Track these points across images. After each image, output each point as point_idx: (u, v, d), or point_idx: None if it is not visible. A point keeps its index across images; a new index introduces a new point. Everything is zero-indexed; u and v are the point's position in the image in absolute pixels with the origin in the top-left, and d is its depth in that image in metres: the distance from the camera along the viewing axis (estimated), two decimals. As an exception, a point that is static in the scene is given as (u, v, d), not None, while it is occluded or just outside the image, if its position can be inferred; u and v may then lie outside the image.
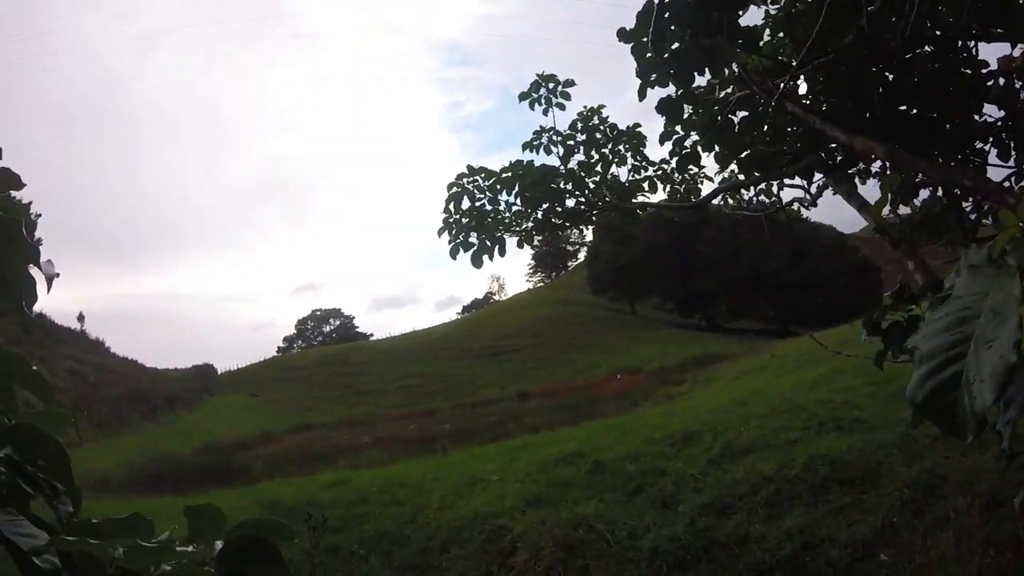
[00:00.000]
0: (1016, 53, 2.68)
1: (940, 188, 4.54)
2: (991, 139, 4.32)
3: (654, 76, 3.51)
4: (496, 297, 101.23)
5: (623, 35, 3.38)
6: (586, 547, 6.58)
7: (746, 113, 3.98)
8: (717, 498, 7.24)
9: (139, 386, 38.23)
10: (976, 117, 4.21)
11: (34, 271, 1.36)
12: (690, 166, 4.85)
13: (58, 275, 1.43)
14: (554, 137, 5.63)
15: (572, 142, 5.61)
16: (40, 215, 50.21)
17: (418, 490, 9.55)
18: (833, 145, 4.18)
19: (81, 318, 45.09)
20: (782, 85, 3.16)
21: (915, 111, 3.55)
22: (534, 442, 13.14)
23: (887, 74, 3.40)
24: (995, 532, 5.36)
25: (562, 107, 5.59)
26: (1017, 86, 3.53)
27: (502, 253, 5.68)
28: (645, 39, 3.21)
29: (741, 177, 4.69)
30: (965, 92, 3.44)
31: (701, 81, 4.28)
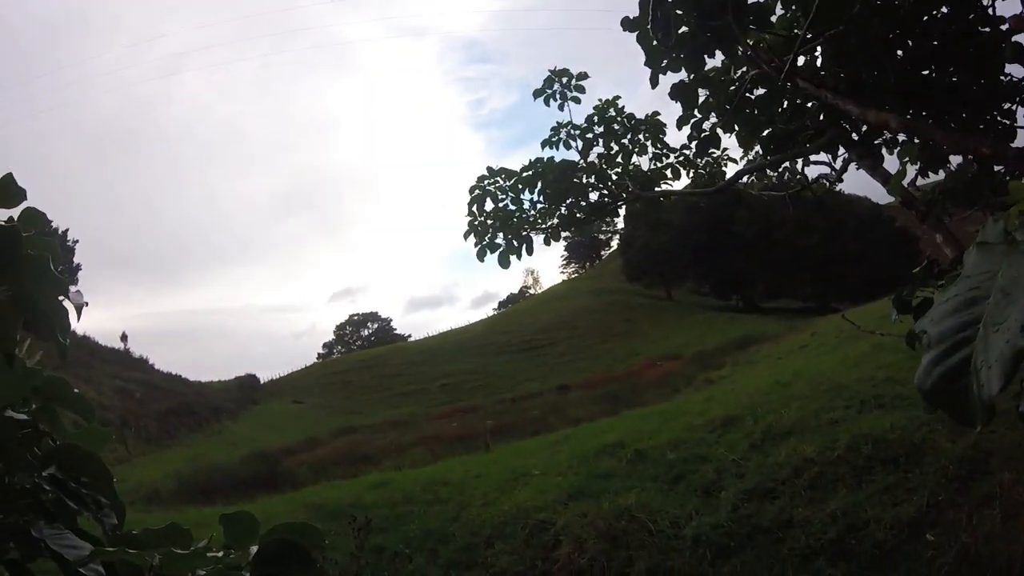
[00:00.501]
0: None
1: (975, 160, 4.41)
2: (1018, 99, 4.19)
3: (664, 63, 3.48)
4: (531, 291, 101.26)
5: (627, 24, 3.36)
6: (629, 537, 6.57)
7: (762, 92, 3.92)
8: (759, 483, 7.17)
9: (184, 400, 39.22)
10: (1001, 78, 4.09)
11: (67, 303, 1.43)
12: (711, 150, 4.80)
13: (87, 304, 1.51)
14: (572, 132, 5.62)
15: (590, 135, 5.59)
16: (78, 241, 51.90)
17: (461, 487, 9.63)
18: (863, 122, 4.10)
19: (124, 338, 46.59)
20: (789, 61, 3.10)
21: (934, 77, 3.45)
22: (575, 434, 13.14)
23: (901, 41, 3.31)
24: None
25: (577, 100, 5.58)
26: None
27: (529, 252, 5.70)
28: (649, 26, 3.18)
29: (765, 158, 4.62)
30: (984, 53, 3.33)
31: (714, 63, 4.25)
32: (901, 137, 4.59)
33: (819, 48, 3.43)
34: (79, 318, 1.50)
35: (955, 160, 4.64)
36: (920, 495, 6.25)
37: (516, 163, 5.63)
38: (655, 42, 3.31)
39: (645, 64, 3.55)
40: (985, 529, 5.29)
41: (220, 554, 1.40)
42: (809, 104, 4.31)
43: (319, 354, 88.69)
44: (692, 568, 6.09)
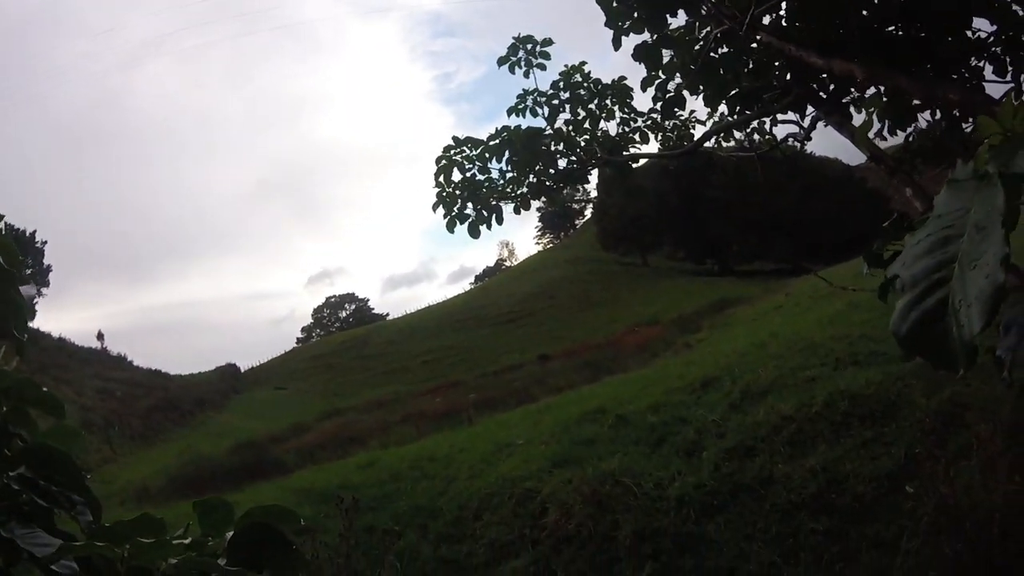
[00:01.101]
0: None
1: (939, 111, 4.42)
2: (985, 55, 4.20)
3: (625, 24, 3.43)
4: (507, 263, 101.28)
5: None
6: (614, 501, 6.65)
7: (727, 50, 3.89)
8: (740, 442, 7.27)
9: (167, 395, 38.95)
10: (968, 34, 4.08)
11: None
12: (677, 111, 4.77)
13: (38, 294, 1.49)
14: (538, 99, 5.55)
15: (556, 102, 5.54)
16: (46, 242, 50.66)
17: (447, 462, 9.67)
18: (823, 76, 4.08)
19: (101, 336, 45.91)
20: (750, 15, 3.06)
21: (900, 32, 3.44)
22: (557, 403, 13.24)
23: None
24: (1020, 459, 5.32)
25: (543, 67, 5.51)
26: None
27: (499, 221, 5.66)
28: None
29: (732, 117, 4.61)
30: (950, 8, 3.33)
31: (678, 23, 4.20)
32: (870, 93, 4.60)
33: (784, 3, 3.40)
34: (32, 313, 1.48)
35: (924, 122, 4.66)
36: (897, 448, 6.37)
37: (486, 135, 5.57)
38: (614, 2, 3.25)
39: (606, 25, 3.49)
40: (963, 480, 5.39)
41: (188, 541, 1.38)
42: (776, 63, 4.29)
43: (298, 339, 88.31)
44: (677, 528, 6.18)
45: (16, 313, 1.45)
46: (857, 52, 3.13)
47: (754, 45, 3.58)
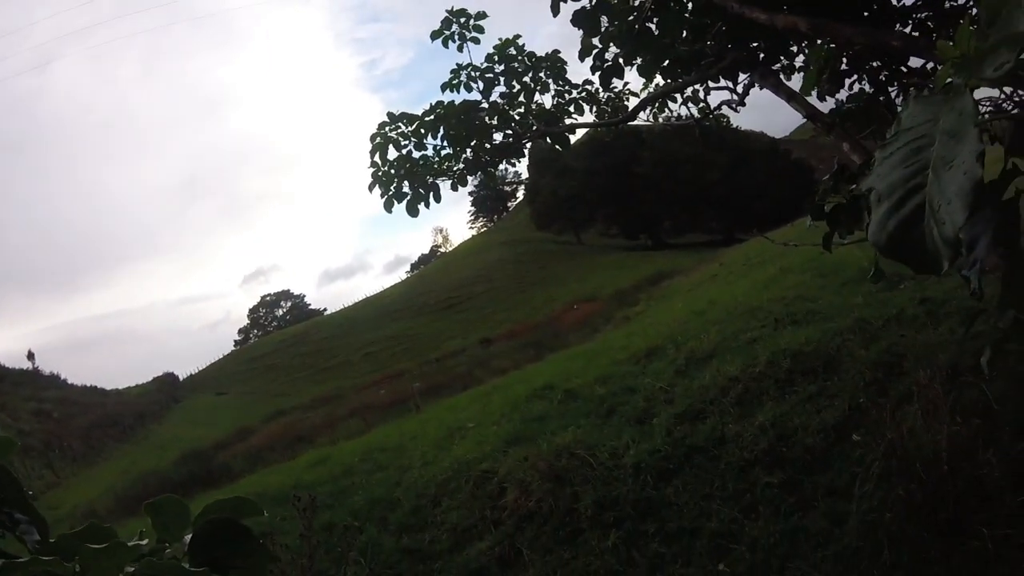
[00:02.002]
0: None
1: (867, 76, 4.55)
2: (930, 13, 4.33)
3: (564, -13, 3.38)
4: (442, 249, 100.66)
5: None
6: (571, 474, 6.67)
7: (664, 16, 3.88)
8: (689, 406, 7.38)
9: (105, 411, 37.50)
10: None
11: None
12: (614, 79, 4.75)
13: None
14: (472, 73, 5.45)
15: (491, 75, 5.44)
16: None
17: (399, 452, 9.54)
18: (755, 44, 4.13)
19: (31, 356, 43.84)
20: None
21: None
22: (504, 384, 13.23)
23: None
24: (959, 400, 5.57)
25: (476, 41, 5.40)
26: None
27: (437, 199, 5.55)
28: None
29: (667, 83, 4.62)
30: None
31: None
32: (799, 63, 4.68)
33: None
34: None
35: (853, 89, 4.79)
36: (842, 400, 6.58)
37: (421, 112, 5.43)
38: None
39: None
40: (907, 425, 5.60)
41: (144, 541, 1.27)
42: (712, 28, 4.31)
43: (236, 341, 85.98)
44: (636, 494, 6.24)
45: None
46: (800, 7, 3.16)
47: (689, 7, 3.58)
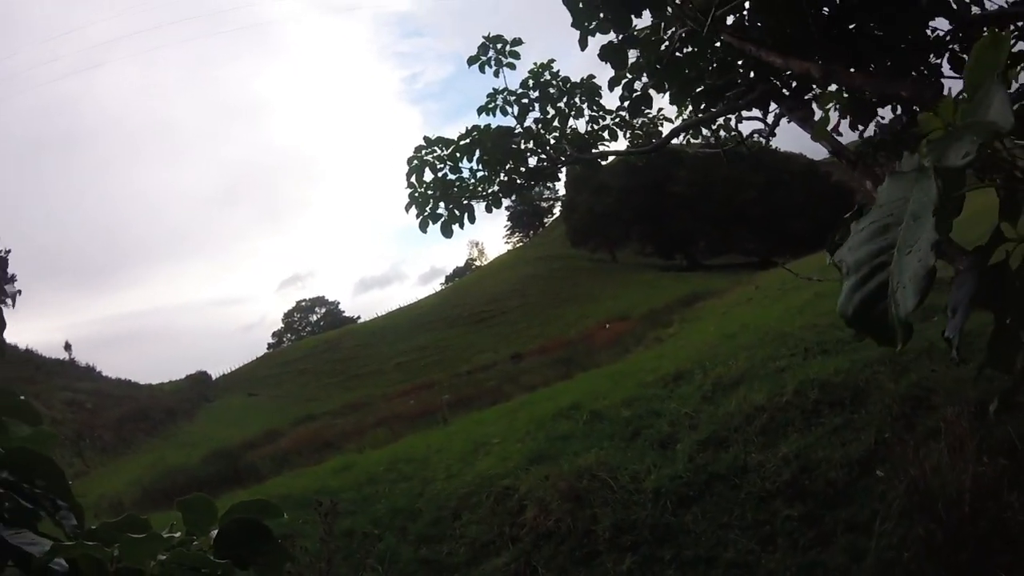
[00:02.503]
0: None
1: (900, 106, 4.56)
2: (946, 52, 4.34)
3: (592, 24, 3.48)
4: (478, 263, 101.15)
5: None
6: (591, 496, 6.72)
7: (691, 49, 3.96)
8: (713, 433, 7.38)
9: (137, 405, 38.26)
10: (927, 32, 4.22)
11: None
12: (644, 109, 4.83)
13: (9, 303, 1.50)
14: (508, 98, 5.59)
15: (526, 100, 5.57)
16: (10, 251, 49.53)
17: (424, 463, 9.65)
18: (788, 72, 4.18)
19: (68, 347, 45.00)
20: (711, 16, 3.13)
21: (858, 30, 3.54)
22: (531, 400, 13.28)
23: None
24: (987, 439, 5.48)
25: (512, 67, 5.55)
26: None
27: (471, 220, 5.69)
28: None
29: (697, 115, 4.69)
30: (905, 6, 3.43)
31: (644, 23, 4.26)
32: (832, 88, 4.71)
33: (746, 3, 3.47)
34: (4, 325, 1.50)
35: (885, 117, 4.80)
36: (868, 434, 6.51)
37: (455, 135, 5.59)
38: (580, 3, 3.30)
39: (572, 26, 3.54)
40: (932, 462, 5.53)
41: (178, 534, 1.40)
42: (739, 61, 4.38)
43: (269, 344, 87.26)
44: (655, 519, 6.26)
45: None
46: (816, 50, 3.22)
47: (717, 44, 3.65)
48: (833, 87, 4.30)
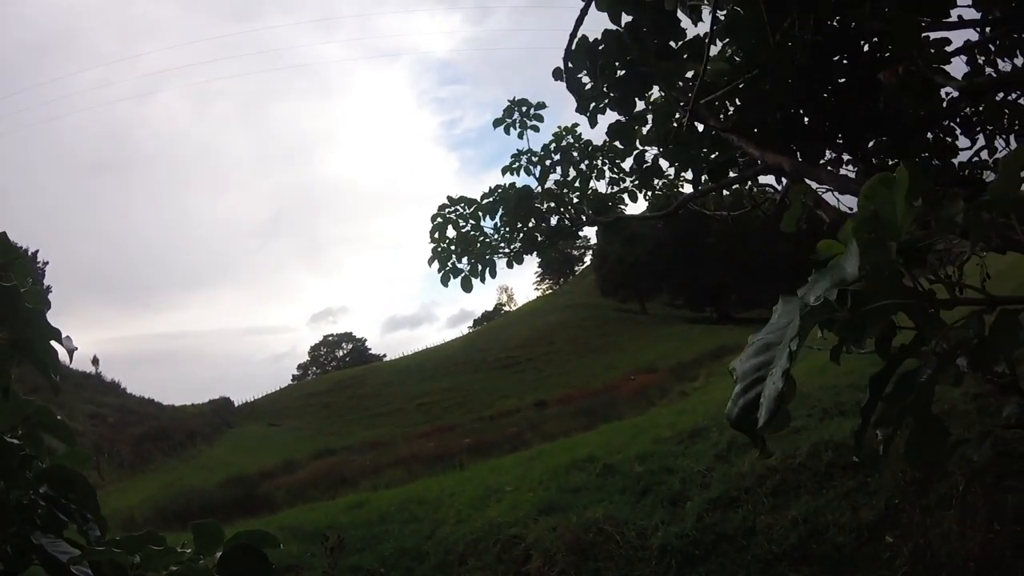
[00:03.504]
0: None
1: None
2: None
3: (601, 104, 3.71)
4: (506, 308, 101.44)
5: (558, 74, 3.59)
6: (597, 549, 6.75)
7: (694, 127, 4.17)
8: (724, 492, 7.37)
9: (158, 424, 38.75)
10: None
11: (57, 346, 1.65)
12: (655, 180, 5.05)
13: (76, 348, 1.73)
14: (531, 159, 5.86)
15: (549, 162, 5.83)
16: (48, 263, 51.29)
17: (436, 506, 9.73)
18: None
19: (96, 361, 45.81)
20: (691, 106, 3.35)
21: (842, 119, 3.73)
22: (549, 450, 13.30)
23: (811, 83, 3.57)
24: (999, 506, 5.44)
25: (536, 129, 5.83)
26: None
27: (492, 275, 5.92)
28: (579, 75, 3.42)
29: (706, 184, 4.88)
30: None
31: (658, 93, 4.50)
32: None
33: (734, 94, 3.68)
34: (71, 360, 1.74)
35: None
36: (879, 498, 6.47)
37: (492, 180, 5.87)
38: (588, 87, 3.54)
39: (576, 111, 3.79)
40: (941, 530, 5.50)
41: (189, 551, 1.62)
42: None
43: (293, 376, 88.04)
44: (659, 577, 6.28)
45: (52, 359, 1.69)
46: (800, 139, 3.41)
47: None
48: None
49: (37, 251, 49.51)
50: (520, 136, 5.83)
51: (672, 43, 3.47)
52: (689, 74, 4.03)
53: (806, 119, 3.49)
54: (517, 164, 5.86)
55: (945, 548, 5.37)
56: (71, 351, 1.65)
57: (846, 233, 1.13)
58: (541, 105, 5.82)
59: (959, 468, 6.33)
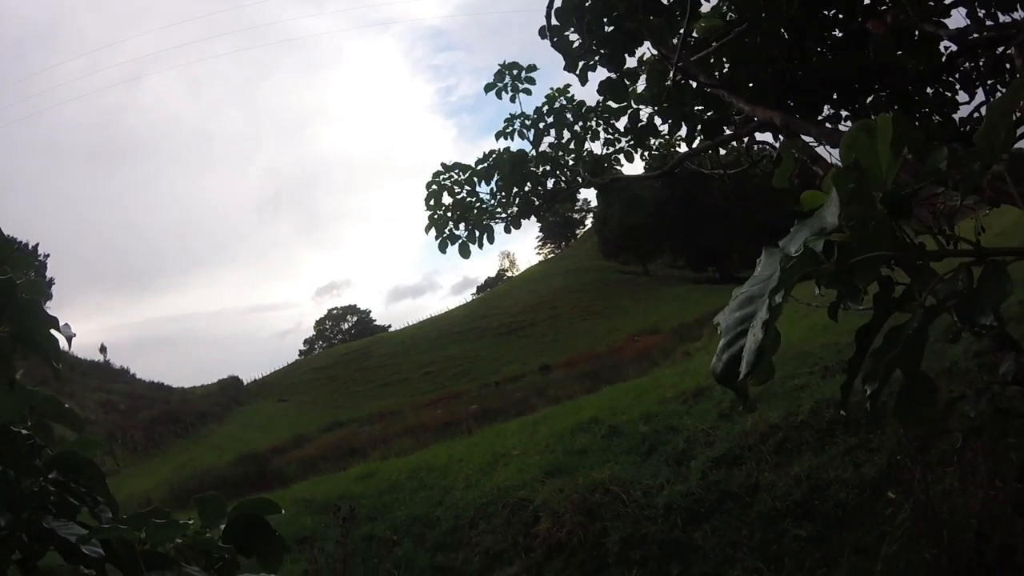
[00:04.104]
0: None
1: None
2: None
3: (587, 63, 3.64)
4: (509, 274, 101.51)
5: (543, 33, 3.52)
6: (603, 509, 6.83)
7: (686, 83, 4.11)
8: (727, 450, 7.43)
9: (168, 407, 39.23)
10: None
11: (57, 334, 1.66)
12: (650, 139, 4.98)
13: (75, 335, 1.74)
14: (524, 122, 5.78)
15: (542, 125, 5.76)
16: (48, 255, 51.40)
17: (445, 472, 9.85)
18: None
19: (103, 349, 46.31)
20: (675, 61, 3.29)
21: (836, 73, 3.66)
22: (554, 413, 13.41)
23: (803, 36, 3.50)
24: (1001, 463, 5.46)
25: (528, 92, 5.74)
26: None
27: (491, 240, 5.89)
28: (566, 33, 3.35)
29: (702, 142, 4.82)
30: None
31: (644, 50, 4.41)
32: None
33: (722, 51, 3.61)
34: (70, 347, 1.75)
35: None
36: (880, 455, 6.51)
37: (489, 146, 5.81)
38: (574, 44, 3.47)
39: (565, 69, 3.72)
40: (942, 486, 5.54)
41: (192, 521, 1.66)
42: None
43: (300, 351, 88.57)
44: (664, 535, 6.35)
45: (54, 347, 1.70)
46: (794, 93, 3.35)
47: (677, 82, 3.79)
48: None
49: (37, 244, 49.68)
50: (512, 100, 5.76)
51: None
52: (682, 31, 3.96)
53: (799, 73, 3.43)
54: (511, 128, 5.79)
55: (946, 504, 5.40)
56: (70, 338, 1.67)
57: (827, 183, 1.09)
58: (532, 68, 5.73)
59: (959, 425, 6.36)
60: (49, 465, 1.69)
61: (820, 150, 3.34)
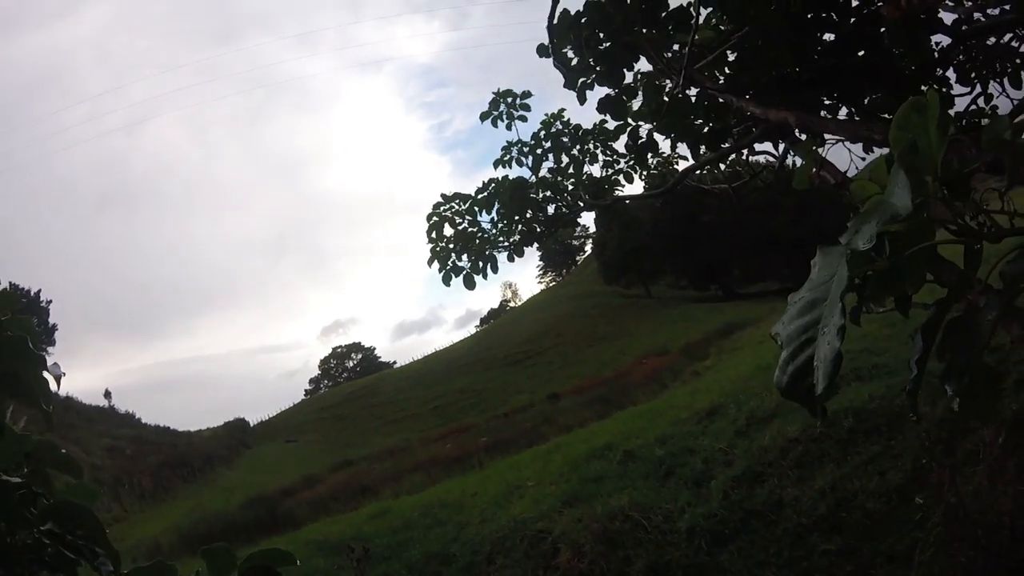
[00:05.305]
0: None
1: (875, 148, 4.60)
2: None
3: (586, 80, 3.61)
4: (512, 304, 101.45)
5: (543, 51, 3.50)
6: (625, 537, 6.67)
7: (687, 95, 4.07)
8: (747, 468, 7.29)
9: (176, 451, 38.88)
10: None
11: (47, 375, 1.57)
12: (650, 156, 4.94)
13: (64, 374, 1.65)
14: (522, 149, 5.75)
15: (540, 151, 5.73)
16: (51, 301, 51.48)
17: (459, 508, 9.67)
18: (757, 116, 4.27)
19: (108, 395, 46.06)
20: (683, 72, 3.25)
21: (837, 71, 3.62)
22: (566, 442, 13.23)
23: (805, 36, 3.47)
24: (1027, 458, 5.33)
25: (524, 119, 5.72)
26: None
27: (494, 270, 5.82)
28: (565, 49, 3.32)
29: (704, 155, 4.78)
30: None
31: (642, 67, 4.39)
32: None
33: (725, 53, 3.58)
34: (59, 387, 1.66)
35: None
36: (905, 461, 6.37)
37: (486, 178, 5.78)
38: (574, 62, 3.45)
39: (565, 87, 3.69)
40: (971, 487, 5.41)
41: (199, 573, 1.55)
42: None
43: (306, 390, 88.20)
44: (689, 559, 6.19)
45: (44, 388, 1.62)
46: (796, 96, 3.30)
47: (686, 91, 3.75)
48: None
49: (39, 291, 49.79)
50: (508, 128, 5.74)
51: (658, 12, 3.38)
52: (676, 46, 3.93)
53: (801, 73, 3.39)
54: (508, 156, 5.76)
55: (976, 505, 5.27)
56: (58, 377, 1.58)
57: (878, 168, 1.01)
58: (527, 94, 5.72)
59: (983, 425, 6.22)
60: (44, 515, 1.61)
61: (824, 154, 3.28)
